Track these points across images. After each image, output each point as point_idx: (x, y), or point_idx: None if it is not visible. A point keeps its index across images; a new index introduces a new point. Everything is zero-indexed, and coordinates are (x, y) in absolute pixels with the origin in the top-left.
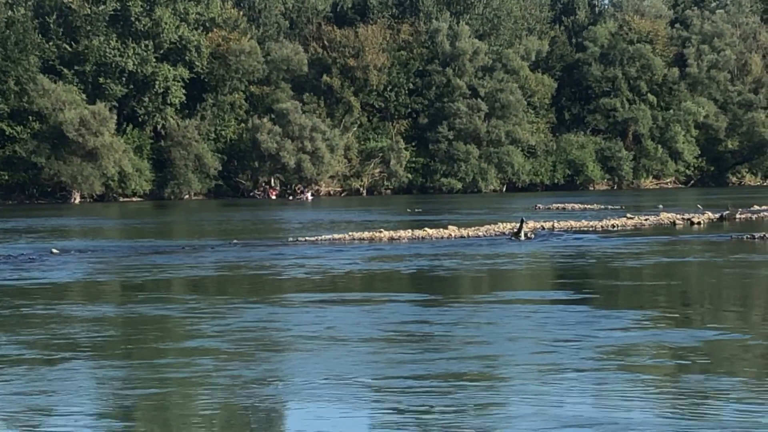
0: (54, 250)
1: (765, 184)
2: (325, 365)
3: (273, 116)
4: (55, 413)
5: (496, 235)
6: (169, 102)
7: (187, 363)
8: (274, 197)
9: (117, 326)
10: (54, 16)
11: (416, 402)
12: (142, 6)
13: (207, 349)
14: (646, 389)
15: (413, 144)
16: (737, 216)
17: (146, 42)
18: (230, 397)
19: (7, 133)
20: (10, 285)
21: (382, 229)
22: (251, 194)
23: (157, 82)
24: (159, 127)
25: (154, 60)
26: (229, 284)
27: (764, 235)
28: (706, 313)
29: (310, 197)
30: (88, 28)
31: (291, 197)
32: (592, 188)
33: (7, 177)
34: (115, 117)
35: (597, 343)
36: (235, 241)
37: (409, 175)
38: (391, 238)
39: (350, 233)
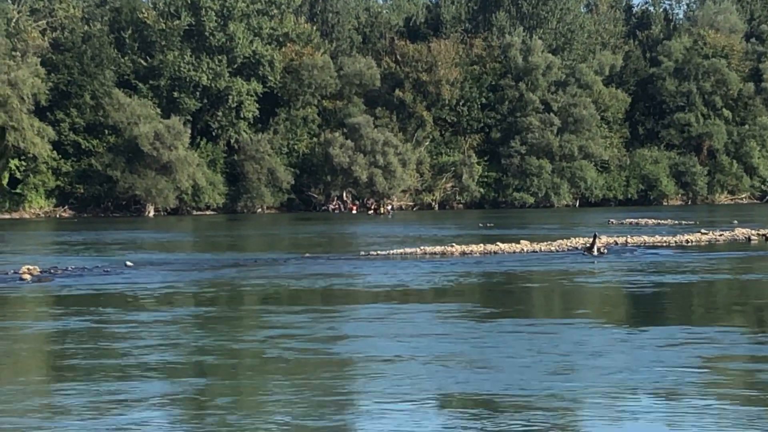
0: (128, 263)
1: None
2: (393, 382)
3: (345, 130)
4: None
5: (568, 250)
6: (242, 116)
7: (258, 374)
8: (354, 212)
9: (187, 335)
10: (129, 31)
11: (488, 421)
12: (216, 21)
13: (277, 363)
14: (724, 408)
15: (485, 158)
16: None
17: (220, 57)
18: (301, 415)
19: (83, 146)
20: (85, 295)
21: (453, 244)
22: (324, 208)
23: (231, 97)
24: (232, 141)
25: (227, 75)
26: (299, 297)
27: None
28: None
29: (390, 210)
30: (163, 42)
31: (371, 212)
32: (665, 203)
33: (82, 190)
34: (189, 131)
35: (674, 364)
36: (307, 254)
37: (481, 190)
38: (463, 253)
39: (422, 247)
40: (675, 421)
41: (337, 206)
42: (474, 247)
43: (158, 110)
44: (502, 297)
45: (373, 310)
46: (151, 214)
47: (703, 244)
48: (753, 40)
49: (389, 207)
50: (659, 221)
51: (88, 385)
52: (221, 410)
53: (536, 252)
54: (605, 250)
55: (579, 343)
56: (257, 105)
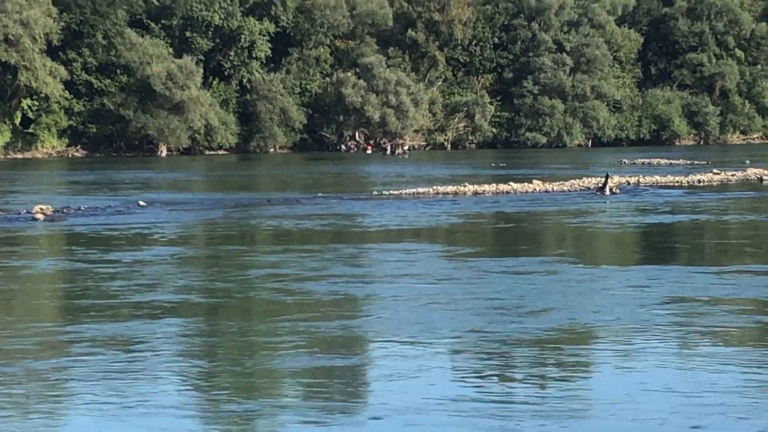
0: (141, 203)
1: None
2: (404, 322)
3: (358, 70)
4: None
5: (580, 189)
6: (254, 56)
7: (268, 315)
8: (369, 152)
9: (198, 273)
10: None
11: (499, 364)
12: None
13: (288, 303)
14: (732, 350)
15: (498, 98)
16: None
17: None
18: (312, 355)
19: (95, 86)
20: (97, 234)
21: (466, 183)
22: (337, 148)
23: (243, 36)
24: (244, 80)
25: (239, 14)
26: (311, 236)
27: None
28: None
29: (406, 150)
30: None
31: (384, 152)
32: (677, 143)
33: (95, 129)
34: (201, 71)
35: (684, 304)
36: (319, 194)
37: (494, 130)
38: (476, 192)
39: (434, 187)
40: (683, 363)
41: (351, 146)
42: (486, 187)
43: (170, 50)
44: (503, 237)
45: (375, 250)
46: (164, 153)
47: (715, 184)
48: None
49: (405, 147)
50: (671, 161)
51: (94, 325)
52: (229, 347)
53: (548, 192)
54: (617, 190)
55: (574, 282)
56: (269, 45)
